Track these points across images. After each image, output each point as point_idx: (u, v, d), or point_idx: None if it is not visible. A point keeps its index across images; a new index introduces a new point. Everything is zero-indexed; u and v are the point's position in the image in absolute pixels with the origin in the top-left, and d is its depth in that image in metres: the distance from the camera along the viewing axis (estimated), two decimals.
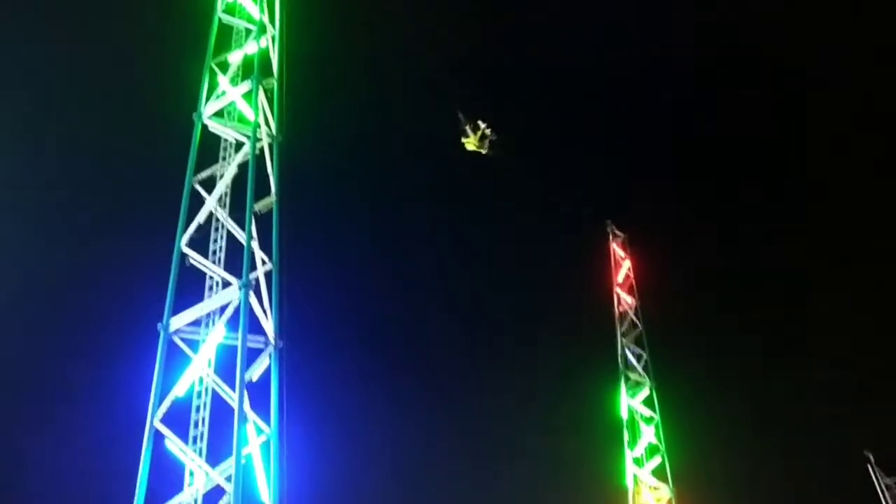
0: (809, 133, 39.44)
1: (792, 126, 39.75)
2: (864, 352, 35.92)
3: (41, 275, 29.46)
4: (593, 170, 41.10)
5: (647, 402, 31.20)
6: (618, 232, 35.24)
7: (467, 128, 26.12)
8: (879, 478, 23.89)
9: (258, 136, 19.70)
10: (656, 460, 30.01)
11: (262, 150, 19.84)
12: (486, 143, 26.46)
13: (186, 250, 18.65)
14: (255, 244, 18.35)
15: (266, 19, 21.26)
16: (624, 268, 34.51)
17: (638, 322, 32.94)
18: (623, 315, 33.01)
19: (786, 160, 39.95)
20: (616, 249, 34.85)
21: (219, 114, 20.43)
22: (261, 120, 20.00)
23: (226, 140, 20.31)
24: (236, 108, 20.38)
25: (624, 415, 30.58)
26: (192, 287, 18.80)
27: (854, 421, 33.38)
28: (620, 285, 33.86)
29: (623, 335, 32.36)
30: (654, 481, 29.55)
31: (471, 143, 26.67)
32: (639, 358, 32.07)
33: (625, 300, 33.45)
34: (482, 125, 26.24)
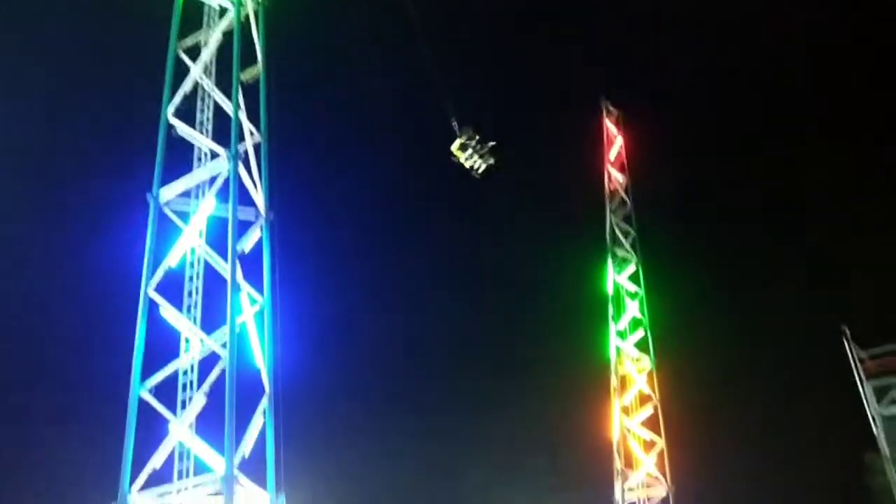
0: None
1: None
2: (846, 229, 36.43)
3: (28, 149, 29.14)
4: (589, 46, 40.11)
5: (633, 278, 31.82)
6: (612, 108, 34.78)
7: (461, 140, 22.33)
8: (854, 351, 24.67)
9: (242, 1, 19.03)
10: (639, 333, 30.93)
11: (247, 16, 19.21)
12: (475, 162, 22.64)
13: (173, 120, 18.40)
14: (242, 114, 18.10)
15: None
16: (616, 145, 34.31)
17: (627, 199, 33.09)
18: (613, 193, 33.11)
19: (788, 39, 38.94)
20: (609, 126, 34.52)
21: None
22: None
23: (210, 6, 19.56)
24: None
25: (610, 290, 31.26)
26: (181, 158, 18.66)
27: (832, 297, 34.30)
28: (612, 163, 33.77)
29: (612, 212, 32.59)
30: (637, 353, 30.57)
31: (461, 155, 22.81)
32: (626, 235, 32.44)
33: (616, 178, 33.46)
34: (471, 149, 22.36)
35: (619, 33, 40.40)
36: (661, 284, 32.63)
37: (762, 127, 39.42)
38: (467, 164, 22.41)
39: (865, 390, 23.49)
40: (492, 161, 22.50)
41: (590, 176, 33.76)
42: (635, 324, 31.12)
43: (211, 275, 17.46)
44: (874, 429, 23.36)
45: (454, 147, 22.32)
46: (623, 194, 33.16)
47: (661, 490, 28.53)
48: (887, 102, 35.49)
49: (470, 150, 22.20)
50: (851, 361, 24.22)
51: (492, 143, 22.44)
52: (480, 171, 22.50)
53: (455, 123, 22.27)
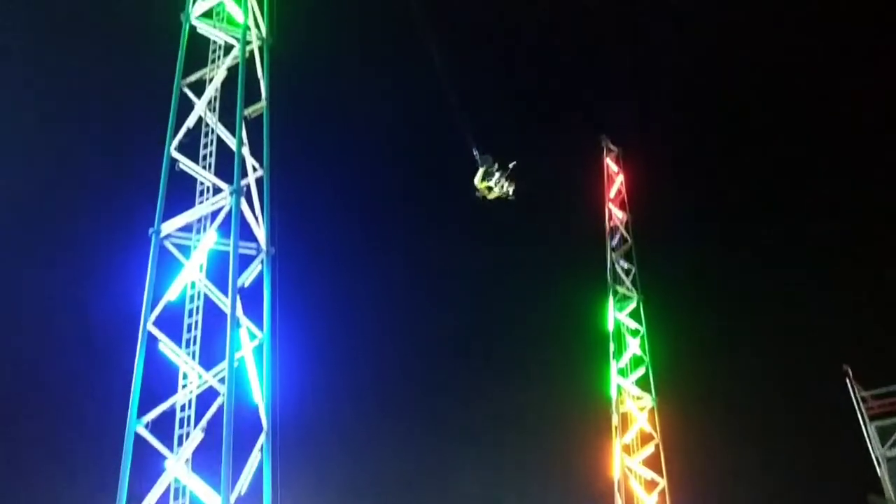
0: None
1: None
2: (849, 269, 36.40)
3: (33, 182, 29.27)
4: (589, 83, 40.50)
5: (634, 315, 31.73)
6: (612, 146, 35.06)
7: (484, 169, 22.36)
8: (857, 391, 24.46)
9: (248, 38, 19.26)
10: (640, 371, 30.74)
11: (251, 53, 19.44)
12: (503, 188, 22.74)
13: (176, 155, 18.50)
14: (245, 150, 18.20)
15: None
16: (616, 182, 34.50)
17: (628, 236, 33.15)
18: (614, 229, 33.20)
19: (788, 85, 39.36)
20: (609, 164, 34.74)
21: (207, 14, 19.88)
22: (250, 22, 19.52)
23: (215, 42, 19.80)
24: (225, 10, 19.82)
25: (611, 327, 31.15)
26: (184, 192, 18.72)
27: (835, 336, 34.09)
28: (612, 200, 33.93)
29: (613, 249, 32.63)
30: (638, 391, 30.35)
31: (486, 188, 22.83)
32: (627, 272, 32.44)
33: (616, 215, 33.58)
34: (496, 174, 22.42)
35: (619, 72, 40.82)
36: (662, 321, 32.55)
37: (766, 157, 39.62)
38: (492, 195, 22.37)
39: (869, 431, 23.21)
40: (514, 186, 22.48)
41: (590, 212, 33.92)
42: (636, 361, 30.96)
43: (211, 309, 17.41)
44: (878, 470, 23.05)
45: (477, 179, 22.16)
46: (624, 232, 33.24)
47: None
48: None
49: (495, 178, 22.14)
50: (854, 402, 23.98)
51: (512, 164, 22.40)
52: (510, 194, 22.52)
53: (476, 153, 22.17)
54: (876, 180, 36.52)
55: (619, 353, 30.74)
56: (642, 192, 34.77)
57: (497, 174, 22.19)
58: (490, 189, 22.28)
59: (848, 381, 24.15)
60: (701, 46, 37.72)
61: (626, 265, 32.61)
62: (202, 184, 18.19)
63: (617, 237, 33.06)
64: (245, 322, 17.18)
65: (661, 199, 35.80)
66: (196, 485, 15.70)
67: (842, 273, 36.31)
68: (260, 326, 17.43)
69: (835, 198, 37.63)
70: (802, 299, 36.63)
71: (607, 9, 38.70)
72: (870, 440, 23.10)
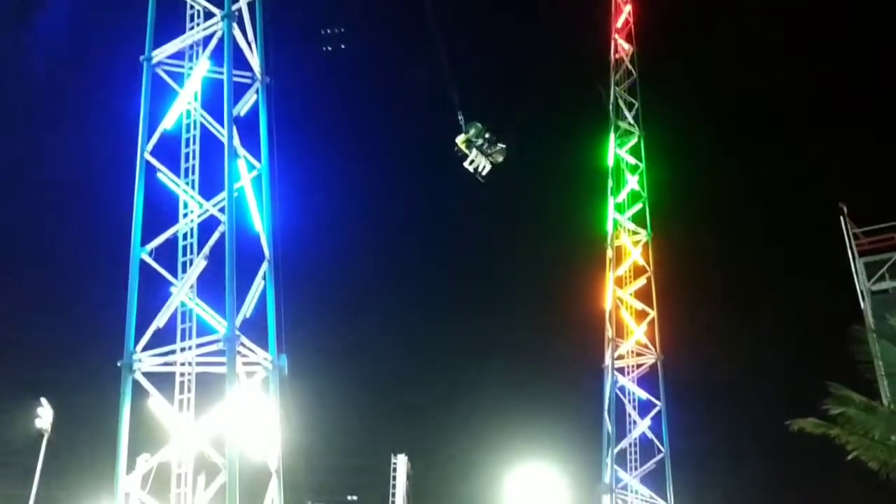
0: None
1: None
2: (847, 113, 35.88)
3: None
4: None
5: (634, 151, 31.53)
6: None
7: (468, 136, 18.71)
8: (849, 228, 24.77)
9: None
10: (637, 207, 30.96)
11: None
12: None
13: None
14: None
15: None
16: (624, 13, 33.14)
17: (633, 70, 32.28)
18: (619, 62, 32.27)
19: None
20: None
21: None
22: None
23: None
24: None
25: (610, 163, 31.03)
26: (174, 18, 18.05)
27: (830, 174, 34.14)
28: (619, 31, 32.73)
29: (616, 83, 31.89)
30: (633, 226, 30.73)
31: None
32: (630, 107, 31.88)
33: (622, 46, 32.53)
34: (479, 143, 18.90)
35: None
36: (661, 157, 32.38)
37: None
38: (471, 167, 19.14)
39: (857, 266, 23.71)
40: (500, 160, 19.26)
41: (595, 45, 32.85)
42: (634, 197, 31.12)
43: (208, 142, 17.28)
44: (861, 303, 23.74)
45: (459, 140, 18.89)
46: (629, 65, 32.34)
47: (650, 358, 29.43)
48: None
49: (475, 150, 18.88)
50: (846, 237, 24.33)
51: (501, 146, 19.29)
52: (484, 172, 19.22)
53: (461, 117, 18.92)
54: None
55: (617, 189, 30.83)
56: (650, 24, 33.51)
57: (477, 148, 18.93)
58: (467, 157, 19.02)
59: (842, 217, 24.39)
60: None
61: (629, 100, 32.00)
62: (192, 7, 17.51)
63: (621, 70, 32.21)
64: (242, 152, 17.13)
65: (668, 32, 34.59)
66: (201, 310, 16.25)
67: (844, 111, 35.86)
68: (258, 158, 17.40)
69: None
70: (801, 138, 36.39)
71: None
72: (857, 275, 23.67)
